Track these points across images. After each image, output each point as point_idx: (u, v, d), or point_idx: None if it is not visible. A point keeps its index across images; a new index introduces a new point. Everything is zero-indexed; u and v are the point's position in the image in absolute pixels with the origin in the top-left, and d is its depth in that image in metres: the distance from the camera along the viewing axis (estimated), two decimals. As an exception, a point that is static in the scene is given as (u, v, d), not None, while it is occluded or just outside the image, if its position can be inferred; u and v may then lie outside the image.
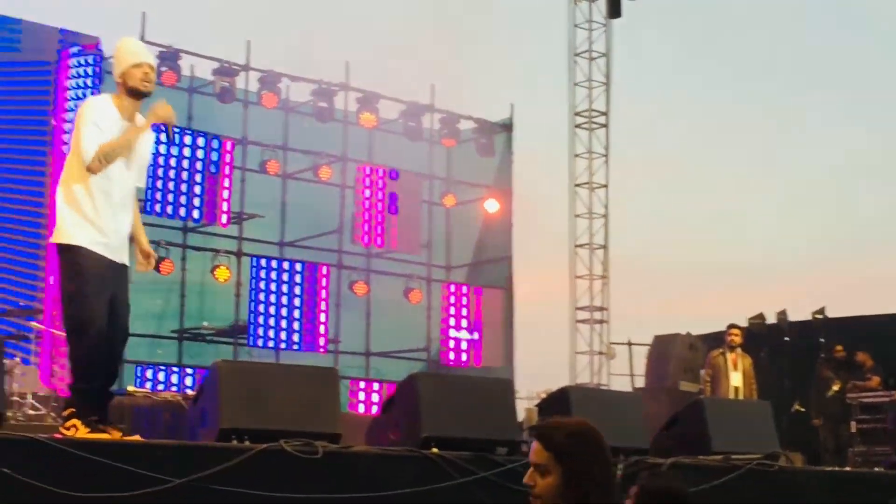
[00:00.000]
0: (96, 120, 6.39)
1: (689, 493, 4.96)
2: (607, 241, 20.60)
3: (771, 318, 18.92)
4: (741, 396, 14.13)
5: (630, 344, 19.91)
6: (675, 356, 16.49)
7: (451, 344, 17.65)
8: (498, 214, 18.75)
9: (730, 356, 14.58)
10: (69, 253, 6.31)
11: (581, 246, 20.64)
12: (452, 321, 17.70)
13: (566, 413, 7.38)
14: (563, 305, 20.56)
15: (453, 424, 6.75)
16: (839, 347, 15.66)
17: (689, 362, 16.39)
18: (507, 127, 19.06)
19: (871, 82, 28.70)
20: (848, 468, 11.66)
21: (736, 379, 14.45)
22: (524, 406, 16.04)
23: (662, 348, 17.09)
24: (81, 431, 6.11)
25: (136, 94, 6.60)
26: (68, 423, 6.17)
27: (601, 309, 20.51)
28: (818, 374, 15.62)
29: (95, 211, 6.35)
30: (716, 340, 15.57)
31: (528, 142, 19.56)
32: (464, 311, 17.77)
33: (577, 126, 20.87)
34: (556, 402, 7.73)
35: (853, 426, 14.79)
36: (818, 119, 28.71)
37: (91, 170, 6.29)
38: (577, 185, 20.77)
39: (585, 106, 20.89)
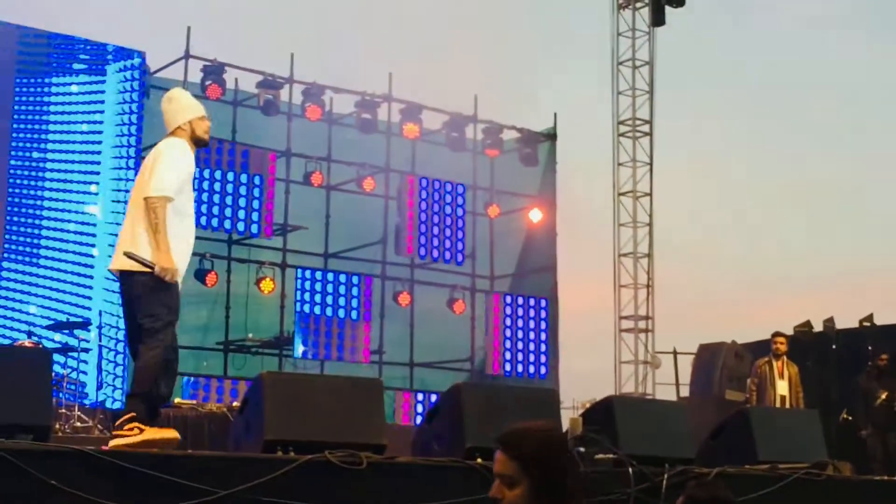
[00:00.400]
0: (179, 163, 6.75)
1: (736, 503, 4.92)
2: (651, 249, 20.53)
3: (818, 326, 18.77)
4: (788, 405, 14.04)
5: (675, 353, 19.83)
6: (721, 365, 16.41)
7: (495, 354, 17.65)
8: (542, 224, 18.70)
9: (776, 364, 14.49)
10: (158, 280, 6.54)
11: (625, 255, 20.58)
12: (496, 331, 17.69)
13: (611, 423, 7.35)
14: (607, 315, 20.52)
15: (498, 434, 6.72)
16: (884, 356, 15.47)
17: (734, 371, 16.31)
18: (550, 136, 19.01)
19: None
20: (897, 477, 11.50)
21: (782, 387, 14.35)
22: (569, 416, 15.96)
23: (708, 357, 17.00)
24: (148, 431, 6.27)
25: (200, 143, 7.05)
26: (131, 425, 6.29)
27: (646, 318, 20.42)
28: (862, 385, 15.45)
29: (174, 238, 6.65)
30: (761, 349, 15.47)
31: (572, 151, 19.54)
32: (508, 321, 17.77)
33: (621, 135, 20.83)
34: (600, 412, 7.68)
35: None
36: (857, 128, 28.47)
37: (147, 200, 6.56)
38: (622, 194, 20.71)
39: (629, 115, 20.85)
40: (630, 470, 6.75)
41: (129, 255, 6.54)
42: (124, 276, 6.69)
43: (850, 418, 15.32)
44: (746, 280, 26.86)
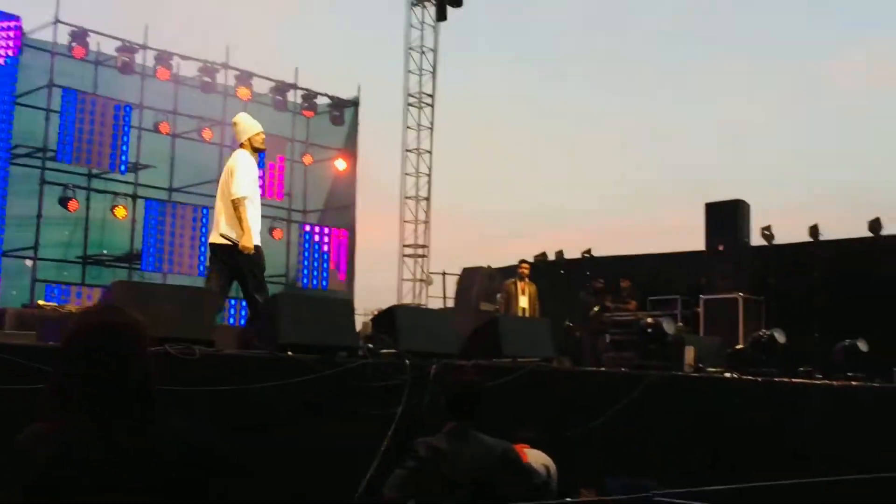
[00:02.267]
0: (250, 170, 7.95)
1: (485, 386, 5.03)
2: (430, 194, 20.68)
3: (551, 256, 19.38)
4: (527, 315, 14.40)
5: (444, 274, 20.09)
6: (478, 283, 16.68)
7: (305, 271, 17.60)
8: (346, 171, 18.63)
9: (520, 284, 14.80)
10: (256, 252, 7.79)
11: (409, 198, 20.64)
12: (307, 253, 17.63)
13: (393, 326, 7.38)
14: (393, 243, 20.61)
15: (305, 333, 6.67)
16: (600, 281, 16.06)
17: (488, 288, 16.58)
18: (355, 103, 18.91)
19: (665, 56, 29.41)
20: (603, 368, 12.03)
21: (524, 301, 14.69)
22: (361, 320, 16.02)
23: (468, 277, 17.27)
24: None
25: (258, 150, 8.11)
26: None
27: (423, 246, 20.60)
28: (582, 300, 15.98)
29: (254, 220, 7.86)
30: (510, 272, 15.80)
31: (371, 115, 19.54)
32: (316, 246, 17.72)
33: (410, 104, 20.77)
34: (386, 317, 7.71)
35: (608, 338, 15.20)
36: (606, 90, 29.30)
37: (234, 201, 7.75)
38: (408, 151, 20.72)
39: (416, 89, 20.81)
40: (407, 361, 6.83)
41: (223, 236, 7.74)
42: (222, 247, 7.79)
43: (571, 325, 15.86)
44: (500, 220, 27.48)
